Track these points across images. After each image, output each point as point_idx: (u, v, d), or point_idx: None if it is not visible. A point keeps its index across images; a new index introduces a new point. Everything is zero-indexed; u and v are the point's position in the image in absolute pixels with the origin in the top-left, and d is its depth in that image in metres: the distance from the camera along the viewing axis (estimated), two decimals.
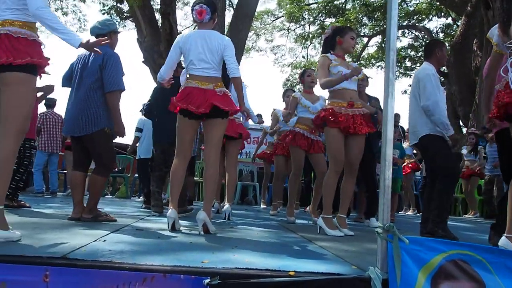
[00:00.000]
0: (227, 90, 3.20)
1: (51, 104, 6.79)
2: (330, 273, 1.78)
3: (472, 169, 7.78)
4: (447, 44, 14.77)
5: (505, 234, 2.52)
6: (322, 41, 3.91)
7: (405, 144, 6.85)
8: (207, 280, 1.65)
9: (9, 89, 2.21)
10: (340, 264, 2.07)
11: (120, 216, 3.86)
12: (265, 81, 29.82)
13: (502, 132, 3.08)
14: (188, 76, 3.19)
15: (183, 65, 3.58)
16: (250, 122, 4.91)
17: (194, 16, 3.17)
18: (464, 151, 8.10)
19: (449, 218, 3.73)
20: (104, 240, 2.34)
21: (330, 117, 3.42)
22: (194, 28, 3.34)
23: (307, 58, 20.04)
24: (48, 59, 2.38)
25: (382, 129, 1.79)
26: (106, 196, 7.97)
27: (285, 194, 5.47)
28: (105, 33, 3.46)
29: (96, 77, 3.35)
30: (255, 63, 46.83)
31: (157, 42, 11.20)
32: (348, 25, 17.19)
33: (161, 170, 4.53)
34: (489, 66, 2.96)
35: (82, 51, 3.49)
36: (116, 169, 8.14)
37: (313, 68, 7.07)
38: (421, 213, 4.79)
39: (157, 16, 11.97)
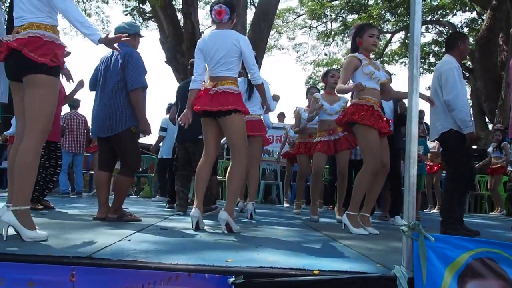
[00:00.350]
0: (232, 87, 3.11)
1: (75, 105, 6.92)
2: (354, 271, 1.76)
3: (497, 165, 7.59)
4: (471, 39, 14.47)
5: None
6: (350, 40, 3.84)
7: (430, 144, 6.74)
8: (232, 279, 1.66)
9: (33, 91, 2.27)
10: (364, 262, 2.05)
11: (145, 215, 3.92)
12: (287, 79, 29.74)
13: None
14: (207, 77, 3.27)
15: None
16: (272, 120, 4.96)
17: (213, 16, 3.19)
18: (490, 148, 7.92)
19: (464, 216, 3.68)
20: (129, 240, 2.38)
21: (368, 114, 3.34)
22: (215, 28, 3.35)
23: (330, 56, 19.90)
24: (69, 53, 2.43)
25: (407, 125, 1.76)
26: (131, 196, 8.11)
27: (308, 193, 5.44)
28: (131, 34, 3.48)
29: (120, 77, 3.39)
30: (277, 61, 46.77)
31: (180, 42, 11.33)
32: (370, 21, 17.05)
33: (185, 170, 4.58)
34: None
35: (105, 53, 3.60)
36: (140, 169, 8.28)
37: (336, 68, 7.01)
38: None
39: (179, 16, 12.13)
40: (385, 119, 3.55)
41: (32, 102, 2.28)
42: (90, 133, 5.50)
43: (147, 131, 3.57)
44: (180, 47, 11.24)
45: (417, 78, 1.75)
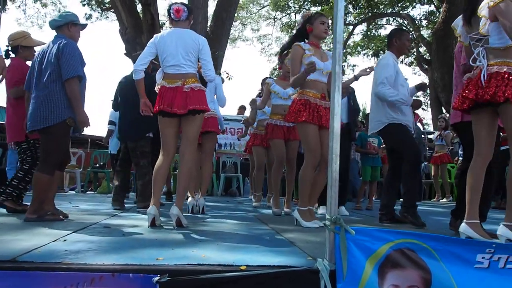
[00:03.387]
0: (198, 85, 3.21)
1: None
2: (280, 265, 1.80)
3: (440, 153, 7.89)
4: (429, 31, 14.88)
5: (464, 220, 2.58)
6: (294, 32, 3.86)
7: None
8: (156, 278, 1.66)
9: None
10: (297, 256, 2.10)
11: (92, 213, 3.86)
12: (252, 70, 29.73)
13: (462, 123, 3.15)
14: (162, 74, 3.27)
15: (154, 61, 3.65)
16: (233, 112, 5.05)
17: (172, 14, 3.26)
18: (433, 136, 8.19)
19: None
20: (65, 240, 2.34)
21: (303, 109, 3.36)
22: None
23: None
24: None
25: (330, 122, 1.80)
26: (88, 192, 7.94)
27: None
28: (63, 24, 3.38)
29: (54, 67, 3.22)
30: (242, 53, 46.67)
31: (139, 33, 11.07)
32: (333, 13, 17.24)
33: (123, 166, 4.58)
34: (466, 57, 2.95)
35: (40, 48, 3.47)
36: (97, 164, 8.11)
37: None
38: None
39: (139, 7, 11.84)
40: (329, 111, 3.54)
41: None
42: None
43: (85, 123, 3.37)
44: (140, 38, 10.98)
45: (339, 75, 1.79)
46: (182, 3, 3.33)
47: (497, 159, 3.10)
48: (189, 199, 4.30)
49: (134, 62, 4.74)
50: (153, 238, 2.56)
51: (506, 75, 2.48)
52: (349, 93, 4.70)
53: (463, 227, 2.56)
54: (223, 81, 4.99)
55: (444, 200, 8.05)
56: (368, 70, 3.87)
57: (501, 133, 3.12)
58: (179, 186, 3.22)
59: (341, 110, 4.13)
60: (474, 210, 2.58)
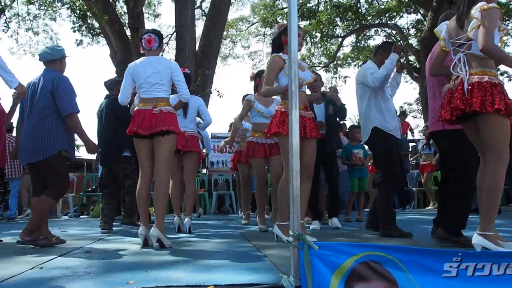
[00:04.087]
0: (169, 108, 3.33)
1: (10, 128, 6.60)
2: (247, 284, 1.82)
3: (427, 162, 7.93)
4: (416, 40, 15.03)
5: (477, 231, 2.54)
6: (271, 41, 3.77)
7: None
8: None
9: None
10: (271, 272, 2.11)
11: (79, 238, 3.87)
12: (244, 87, 29.94)
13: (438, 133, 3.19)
14: (140, 99, 3.39)
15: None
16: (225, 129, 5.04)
17: (143, 44, 3.39)
18: (420, 146, 8.23)
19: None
20: (41, 267, 2.35)
21: (288, 121, 3.35)
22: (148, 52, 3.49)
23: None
24: None
25: (289, 139, 1.83)
26: (81, 217, 7.92)
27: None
28: (57, 59, 3.49)
29: (49, 102, 3.32)
30: (233, 70, 47.08)
31: (129, 56, 11.19)
32: (321, 27, 17.46)
33: (109, 187, 4.65)
34: (434, 63, 2.99)
35: (30, 79, 3.54)
36: (89, 188, 8.10)
37: None
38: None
39: (128, 31, 12.01)
40: (310, 119, 3.50)
41: None
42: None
43: (95, 149, 3.65)
44: (130, 61, 11.06)
45: (296, 94, 1.83)
46: (154, 31, 3.44)
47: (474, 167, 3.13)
48: (175, 218, 4.33)
49: (109, 83, 4.88)
50: (132, 261, 2.57)
51: (488, 85, 2.51)
52: (326, 100, 4.70)
53: (477, 238, 2.53)
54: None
55: (430, 207, 8.07)
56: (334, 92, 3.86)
57: None
58: (158, 207, 3.28)
59: (319, 119, 4.23)
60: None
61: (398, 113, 4.29)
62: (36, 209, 3.33)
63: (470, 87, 2.54)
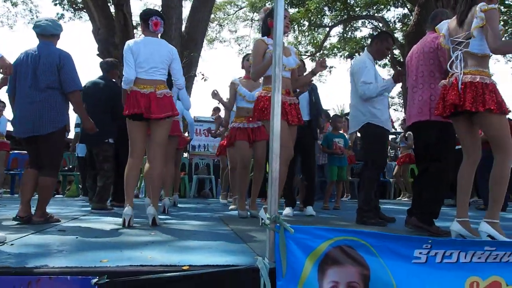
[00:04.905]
0: (168, 91, 3.39)
1: None
2: (223, 265, 1.82)
3: (404, 154, 8.04)
4: (402, 34, 15.17)
5: (456, 218, 2.73)
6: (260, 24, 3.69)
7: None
8: (95, 280, 1.66)
9: None
10: (246, 255, 2.12)
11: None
12: (230, 71, 29.71)
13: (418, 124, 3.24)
14: (135, 79, 3.36)
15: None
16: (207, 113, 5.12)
17: (150, 26, 3.41)
18: (397, 138, 8.38)
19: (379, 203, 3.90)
20: (12, 244, 2.30)
21: (269, 106, 3.34)
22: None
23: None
24: None
25: (270, 123, 1.83)
26: (56, 196, 7.80)
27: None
28: (57, 33, 3.50)
29: (55, 77, 3.33)
30: (220, 54, 46.64)
31: (112, 34, 10.95)
32: (309, 15, 17.38)
33: (94, 168, 4.67)
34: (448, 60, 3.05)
35: (24, 49, 3.50)
36: (66, 167, 7.97)
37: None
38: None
39: (112, 7, 11.71)
40: (294, 105, 3.51)
41: None
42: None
43: (93, 129, 3.68)
44: (113, 39, 10.88)
45: (279, 77, 1.82)
46: (159, 14, 3.48)
47: (452, 159, 3.22)
48: (165, 199, 4.43)
49: (105, 65, 4.77)
50: (106, 241, 2.54)
51: (479, 86, 2.61)
52: (311, 88, 4.72)
53: (455, 225, 2.72)
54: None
55: (406, 198, 8.24)
56: (323, 64, 3.61)
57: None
58: (153, 188, 3.38)
59: (302, 107, 4.22)
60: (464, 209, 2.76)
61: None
62: (44, 192, 3.37)
63: (463, 86, 2.65)
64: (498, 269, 1.89)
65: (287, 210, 4.52)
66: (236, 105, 4.50)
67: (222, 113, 9.13)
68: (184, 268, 1.79)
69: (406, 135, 7.69)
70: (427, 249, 1.88)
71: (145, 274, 1.72)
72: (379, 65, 19.91)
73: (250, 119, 4.24)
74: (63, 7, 13.57)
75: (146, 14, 3.46)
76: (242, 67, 4.57)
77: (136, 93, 3.29)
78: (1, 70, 2.78)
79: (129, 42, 3.42)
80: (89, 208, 4.74)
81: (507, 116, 2.74)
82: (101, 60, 5.13)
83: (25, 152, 8.62)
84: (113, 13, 11.39)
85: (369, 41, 18.90)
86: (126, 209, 3.21)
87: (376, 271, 1.82)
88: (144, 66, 3.31)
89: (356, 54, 17.96)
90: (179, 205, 5.54)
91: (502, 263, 1.90)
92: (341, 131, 5.99)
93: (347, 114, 7.22)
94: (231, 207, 5.33)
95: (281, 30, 1.85)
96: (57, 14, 14.33)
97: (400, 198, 8.58)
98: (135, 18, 12.47)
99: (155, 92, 3.28)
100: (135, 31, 12.69)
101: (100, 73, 4.81)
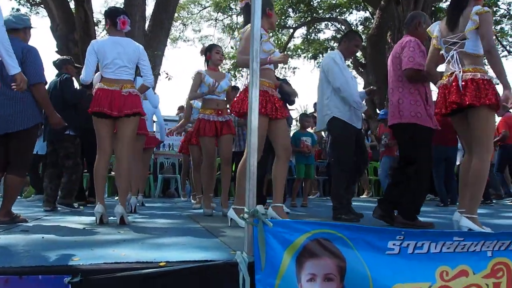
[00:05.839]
0: (135, 90, 3.39)
1: None
2: (200, 260, 1.80)
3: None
4: (364, 37, 15.63)
5: (464, 214, 2.82)
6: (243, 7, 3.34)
7: None
8: (68, 278, 1.59)
9: None
10: (222, 251, 2.11)
11: None
12: (193, 71, 29.48)
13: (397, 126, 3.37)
14: (101, 78, 3.39)
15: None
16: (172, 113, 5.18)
17: (117, 25, 3.38)
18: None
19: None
20: None
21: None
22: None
23: (235, 49, 20.08)
24: None
25: (248, 117, 1.83)
26: None
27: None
28: (21, 28, 3.38)
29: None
30: (183, 53, 46.25)
31: (72, 30, 10.58)
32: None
33: (54, 167, 4.58)
34: (428, 62, 3.14)
35: None
36: None
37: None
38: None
39: (72, 3, 11.30)
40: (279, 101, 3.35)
41: None
42: None
43: (60, 124, 3.57)
44: (73, 35, 10.52)
45: (257, 72, 1.82)
46: (125, 13, 3.48)
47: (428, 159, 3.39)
48: (132, 198, 4.39)
49: (58, 62, 4.70)
50: (74, 239, 2.45)
51: (481, 81, 2.73)
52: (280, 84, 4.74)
53: (464, 220, 2.80)
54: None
55: (364, 196, 8.48)
56: (285, 59, 3.36)
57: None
58: (121, 186, 3.36)
59: None
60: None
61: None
62: (11, 191, 3.23)
63: (464, 83, 2.76)
64: (465, 258, 1.98)
65: (258, 208, 4.49)
66: (204, 97, 4.29)
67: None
68: (161, 264, 1.75)
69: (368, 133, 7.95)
70: (400, 240, 1.94)
71: (121, 271, 1.67)
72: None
73: (220, 112, 4.18)
74: (19, 2, 12.98)
75: (114, 12, 3.43)
76: (208, 58, 4.33)
77: (101, 91, 3.29)
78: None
79: (94, 43, 3.40)
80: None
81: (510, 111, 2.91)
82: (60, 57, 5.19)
83: None
84: (72, 9, 11.01)
85: (332, 42, 19.43)
86: (97, 207, 3.18)
87: (352, 262, 1.86)
88: (111, 67, 3.32)
89: (320, 55, 18.28)
90: (146, 204, 5.44)
91: (469, 252, 1.98)
92: (308, 130, 6.08)
93: (313, 113, 7.32)
94: (194, 205, 5.30)
95: (258, 25, 1.85)
96: (12, 9, 13.67)
97: (364, 196, 8.81)
98: (96, 15, 12.12)
99: (120, 90, 3.28)
100: (96, 28, 12.34)
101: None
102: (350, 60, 19.04)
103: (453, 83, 2.81)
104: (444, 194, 6.03)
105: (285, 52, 19.35)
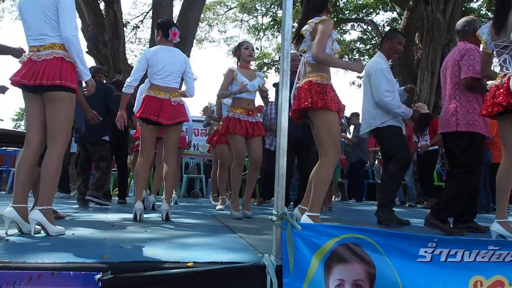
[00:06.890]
0: (182, 99, 3.64)
1: None
2: (227, 262, 1.79)
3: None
4: None
5: (496, 219, 2.78)
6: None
7: None
8: (98, 276, 1.61)
9: (57, 105, 2.47)
10: (248, 253, 2.10)
11: None
12: (218, 72, 29.69)
13: None
14: (150, 85, 3.64)
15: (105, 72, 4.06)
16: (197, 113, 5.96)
17: (169, 36, 3.67)
18: None
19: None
20: (7, 240, 2.24)
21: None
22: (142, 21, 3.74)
23: (261, 49, 20.12)
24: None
25: (278, 119, 1.81)
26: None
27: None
28: None
29: None
30: (209, 54, 46.62)
31: (102, 31, 10.83)
32: (299, 17, 17.46)
33: (86, 168, 4.98)
34: (482, 66, 3.07)
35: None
36: None
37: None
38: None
39: (102, 5, 11.56)
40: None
41: (55, 115, 2.47)
42: None
43: (96, 118, 3.69)
44: (102, 36, 10.75)
45: (287, 72, 1.80)
46: (176, 25, 3.76)
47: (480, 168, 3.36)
48: (151, 196, 4.66)
49: (92, 69, 4.90)
50: (103, 237, 2.49)
51: None
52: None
53: (495, 226, 2.78)
54: None
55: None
56: (360, 68, 3.16)
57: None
58: (167, 186, 3.61)
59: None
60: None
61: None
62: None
63: None
64: (501, 268, 1.91)
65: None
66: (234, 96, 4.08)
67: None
68: (188, 264, 1.76)
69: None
70: (432, 247, 1.88)
71: (150, 270, 1.68)
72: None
73: (250, 112, 4.02)
74: None
75: (166, 24, 3.69)
76: (238, 56, 4.17)
77: (152, 98, 3.51)
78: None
79: (146, 52, 3.67)
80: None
81: None
82: (90, 57, 5.58)
83: (13, 149, 8.50)
84: (103, 11, 11.26)
85: (358, 44, 19.17)
86: (138, 204, 3.36)
87: (382, 269, 1.81)
88: (161, 74, 3.53)
89: (346, 56, 18.08)
90: (171, 203, 5.47)
91: (505, 262, 1.91)
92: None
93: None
94: (218, 207, 4.99)
95: (290, 25, 1.83)
96: None
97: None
98: (125, 17, 12.32)
99: (170, 99, 3.51)
100: (125, 29, 12.57)
101: None
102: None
103: (505, 84, 2.72)
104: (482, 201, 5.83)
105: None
